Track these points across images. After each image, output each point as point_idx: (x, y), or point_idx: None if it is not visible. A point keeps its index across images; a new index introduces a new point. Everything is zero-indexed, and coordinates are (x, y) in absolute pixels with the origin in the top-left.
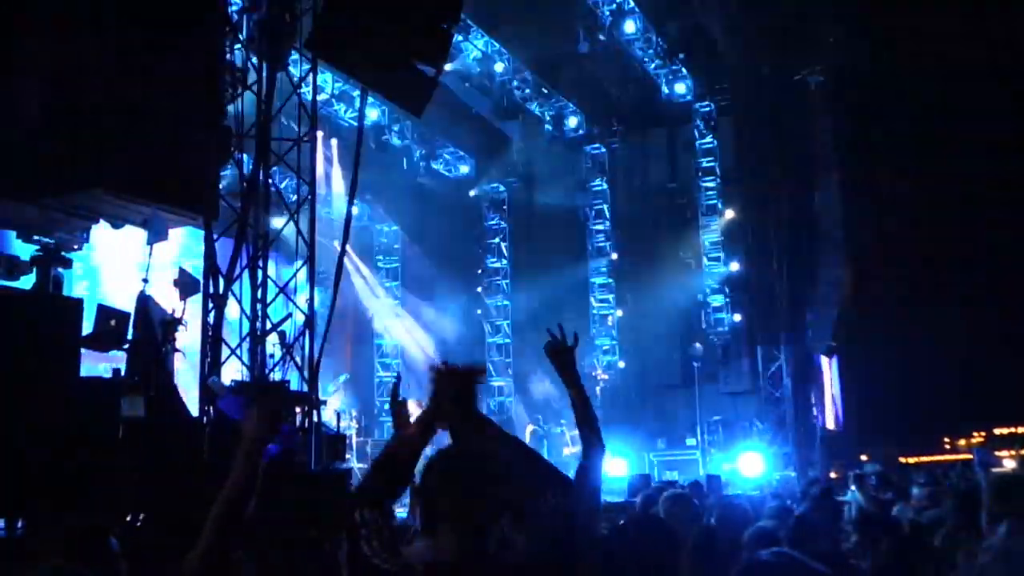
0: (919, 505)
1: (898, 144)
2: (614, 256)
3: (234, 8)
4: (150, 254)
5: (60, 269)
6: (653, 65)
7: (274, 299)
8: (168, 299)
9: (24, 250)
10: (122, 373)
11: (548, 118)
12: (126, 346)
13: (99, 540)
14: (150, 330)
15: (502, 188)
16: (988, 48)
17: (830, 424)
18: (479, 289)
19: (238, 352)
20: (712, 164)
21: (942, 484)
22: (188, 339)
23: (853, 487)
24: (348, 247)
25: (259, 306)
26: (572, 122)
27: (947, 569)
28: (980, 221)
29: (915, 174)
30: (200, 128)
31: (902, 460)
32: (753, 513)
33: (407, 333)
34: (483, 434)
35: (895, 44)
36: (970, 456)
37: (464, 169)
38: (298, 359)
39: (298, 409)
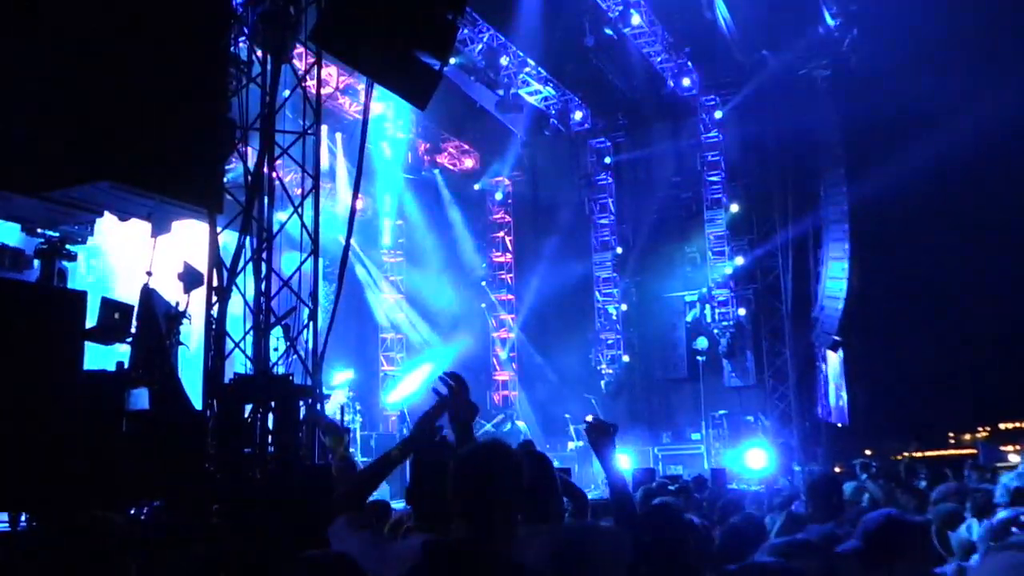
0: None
1: (904, 137)
2: (619, 250)
3: (238, 0)
4: (154, 247)
5: (64, 262)
6: (659, 59)
7: (278, 292)
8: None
9: (28, 244)
10: (125, 366)
11: (553, 112)
12: (130, 339)
13: (104, 533)
14: (153, 323)
15: (507, 182)
16: (992, 41)
17: (834, 419)
18: (483, 283)
19: (242, 345)
20: (717, 158)
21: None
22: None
23: (863, 476)
24: (352, 240)
25: (263, 299)
26: (577, 116)
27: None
28: (988, 214)
29: (920, 167)
30: (205, 121)
31: (907, 455)
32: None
33: (411, 327)
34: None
35: (899, 37)
36: (975, 451)
37: (469, 163)
38: (302, 352)
39: (301, 403)
